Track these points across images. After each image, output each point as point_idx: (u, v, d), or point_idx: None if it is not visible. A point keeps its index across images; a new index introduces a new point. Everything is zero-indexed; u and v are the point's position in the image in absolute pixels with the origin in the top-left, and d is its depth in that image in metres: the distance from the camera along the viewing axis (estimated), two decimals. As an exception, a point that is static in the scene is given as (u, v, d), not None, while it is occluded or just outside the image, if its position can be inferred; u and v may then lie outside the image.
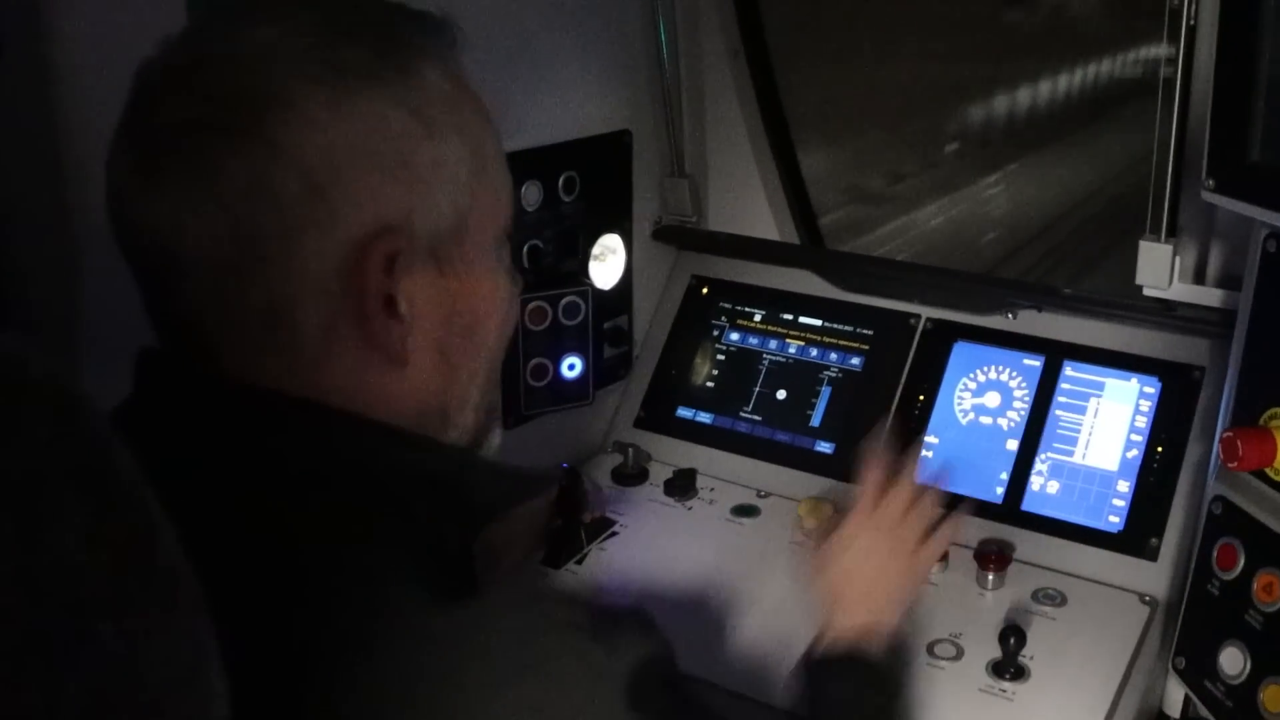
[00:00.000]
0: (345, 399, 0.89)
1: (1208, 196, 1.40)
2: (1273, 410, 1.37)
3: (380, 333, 0.87)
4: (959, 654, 1.51)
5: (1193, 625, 1.44)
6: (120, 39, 0.88)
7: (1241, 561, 1.38)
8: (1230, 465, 1.36)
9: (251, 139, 0.82)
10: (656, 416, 2.02)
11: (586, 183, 1.87)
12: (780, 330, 1.99)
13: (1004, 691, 1.45)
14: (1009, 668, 1.46)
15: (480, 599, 0.86)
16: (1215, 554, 1.42)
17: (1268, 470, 1.37)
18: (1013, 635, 1.45)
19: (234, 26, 0.88)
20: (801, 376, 1.94)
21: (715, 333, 2.04)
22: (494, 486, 0.99)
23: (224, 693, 0.57)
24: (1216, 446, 1.49)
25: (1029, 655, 1.48)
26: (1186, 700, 1.54)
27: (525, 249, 1.77)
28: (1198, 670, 1.41)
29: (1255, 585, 1.36)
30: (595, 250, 1.94)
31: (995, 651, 1.48)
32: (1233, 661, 1.36)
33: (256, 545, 0.82)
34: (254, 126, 0.82)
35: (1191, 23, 1.52)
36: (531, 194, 1.78)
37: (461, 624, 0.83)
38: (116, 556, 0.52)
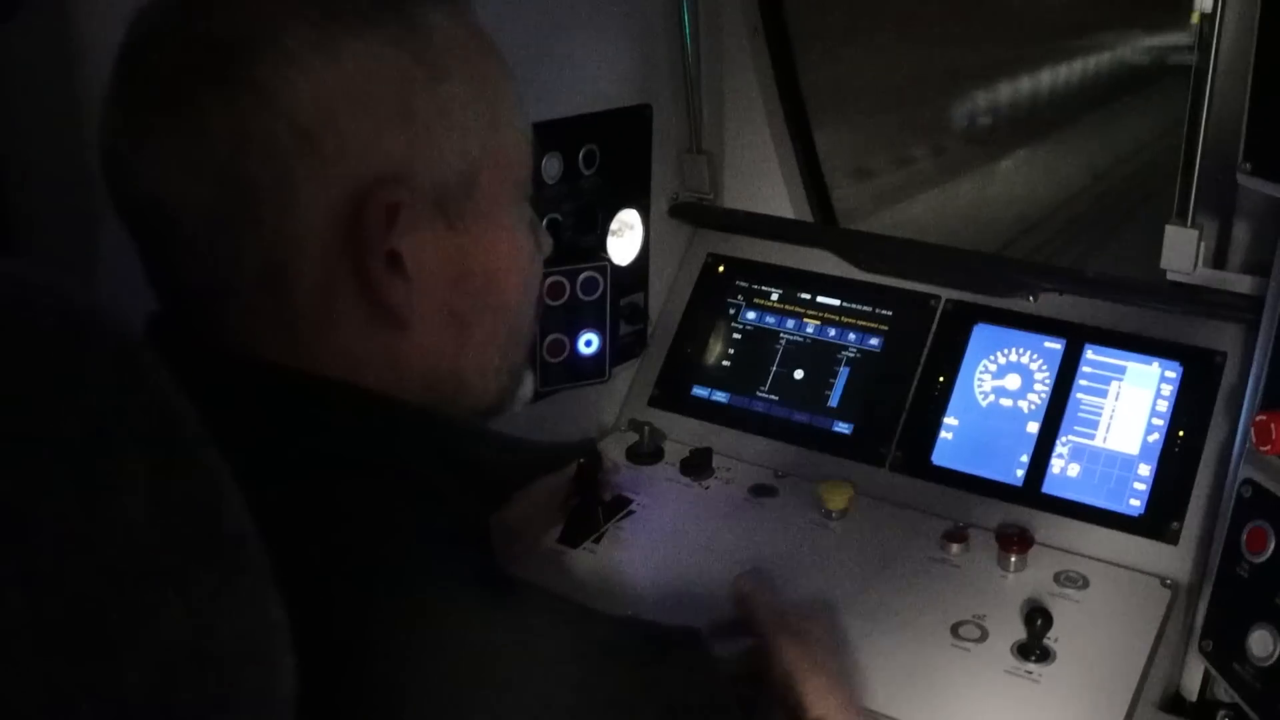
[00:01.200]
0: (349, 364, 0.86)
1: (1244, 180, 1.40)
2: (1304, 394, 1.38)
3: (382, 291, 0.84)
4: (984, 635, 1.50)
5: (1221, 608, 1.44)
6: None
7: (1272, 544, 1.38)
8: (1262, 449, 1.36)
9: (238, 86, 0.79)
10: (671, 395, 2.01)
11: (606, 157, 1.85)
12: (798, 310, 1.98)
13: (1030, 673, 1.44)
14: (1034, 649, 1.46)
15: (519, 607, 0.84)
16: (1245, 537, 1.42)
17: (1298, 454, 1.37)
18: (1039, 617, 1.44)
19: None
20: (819, 356, 1.93)
21: (731, 311, 2.03)
22: (513, 462, 0.97)
23: (292, 665, 0.55)
24: (1244, 430, 1.50)
25: (1053, 637, 1.47)
26: (1204, 683, 1.54)
27: (545, 222, 1.76)
28: (1226, 653, 1.41)
29: (1286, 569, 1.36)
30: (613, 226, 1.92)
31: (1019, 633, 1.48)
32: (1262, 644, 1.36)
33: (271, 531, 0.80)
34: (241, 72, 0.79)
35: (1220, 10, 1.51)
36: (552, 166, 1.77)
37: (492, 625, 0.80)
38: (181, 521, 0.50)
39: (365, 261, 0.82)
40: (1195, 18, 1.54)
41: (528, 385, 1.02)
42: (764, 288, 2.02)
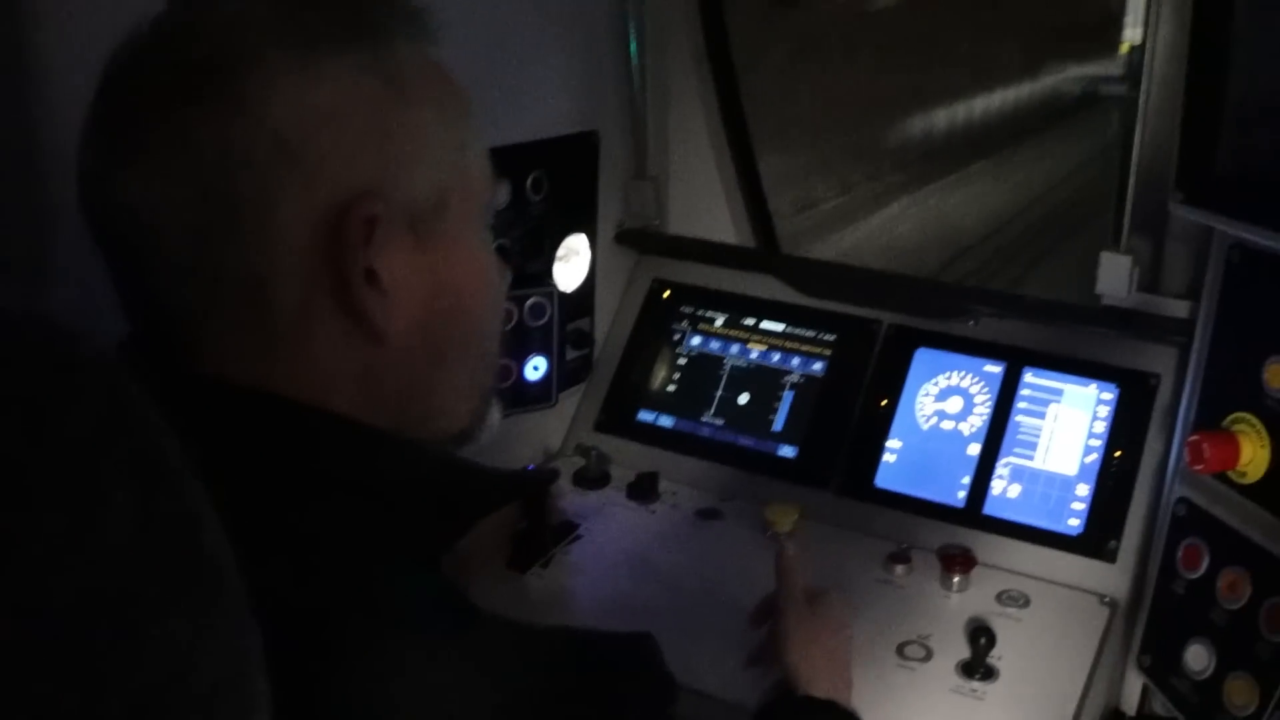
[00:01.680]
0: (325, 379, 0.86)
1: (1176, 209, 1.44)
2: (1235, 414, 1.42)
3: (361, 304, 0.84)
4: (928, 655, 1.52)
5: (1158, 624, 1.48)
6: (98, 20, 0.87)
7: (1206, 561, 1.42)
8: (1195, 468, 1.40)
9: (220, 103, 0.80)
10: (617, 420, 2.02)
11: (554, 183, 1.87)
12: (742, 335, 2.00)
13: (974, 691, 1.47)
14: (979, 668, 1.49)
15: (476, 629, 0.84)
16: (1180, 554, 1.46)
17: (1229, 473, 1.41)
18: (983, 636, 1.47)
19: (201, 3, 0.86)
20: (764, 381, 1.96)
21: (676, 337, 2.05)
22: (482, 489, 0.97)
23: (266, 692, 0.55)
24: (1178, 450, 1.54)
25: (997, 656, 1.50)
26: (1143, 697, 1.57)
27: (494, 248, 1.76)
28: (1163, 667, 1.45)
29: (1220, 584, 1.39)
30: (560, 251, 1.94)
31: (963, 652, 1.51)
32: (1198, 658, 1.40)
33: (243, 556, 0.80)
34: (223, 90, 0.80)
35: (1151, 41, 1.56)
36: (501, 193, 1.78)
37: (458, 654, 0.81)
38: (163, 547, 0.50)
39: (345, 274, 0.83)
40: (1125, 48, 1.59)
41: (495, 414, 1.02)
42: (709, 313, 2.04)
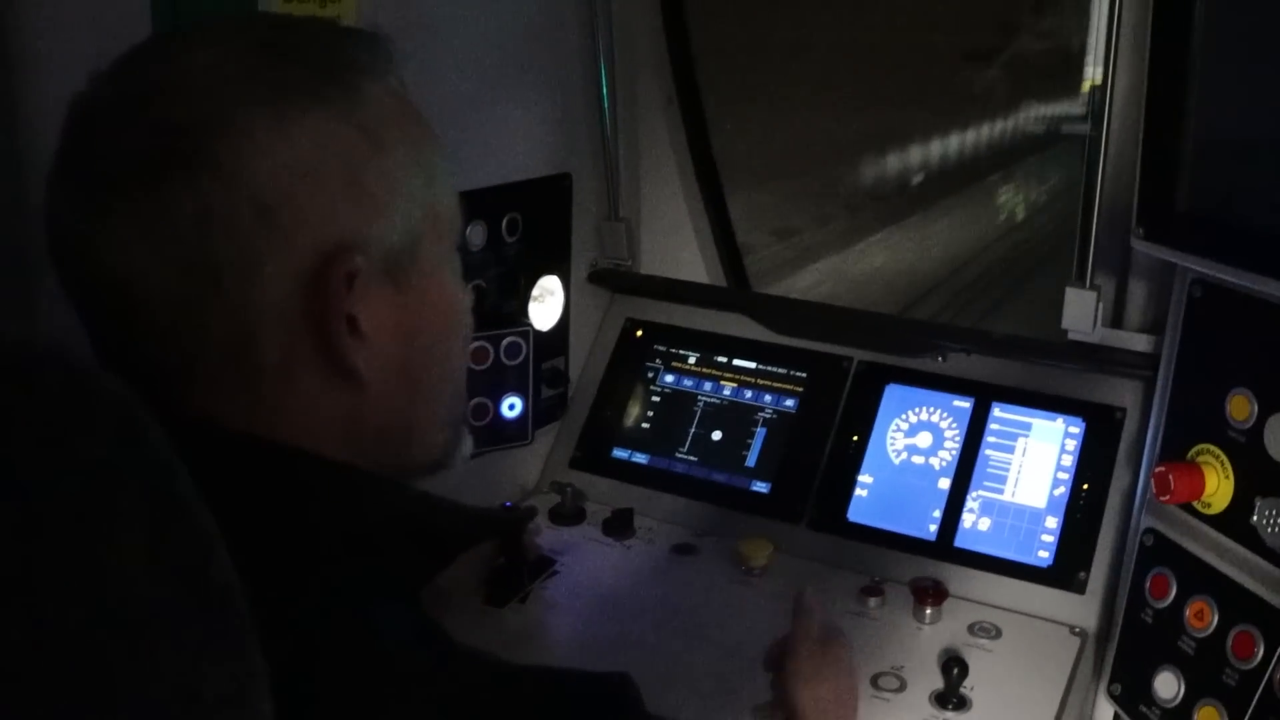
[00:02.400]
0: (308, 423, 0.87)
1: (1137, 245, 1.47)
2: (1199, 446, 1.45)
3: (342, 353, 0.86)
4: (902, 686, 1.54)
5: (1127, 653, 1.50)
6: (84, 41, 0.87)
7: (1174, 590, 1.45)
8: (1162, 498, 1.43)
9: (199, 169, 0.80)
10: (592, 457, 2.04)
11: (528, 225, 1.89)
12: (714, 372, 2.02)
13: (948, 721, 1.49)
14: (952, 698, 1.50)
15: (455, 665, 0.85)
16: (1148, 584, 1.48)
17: (1195, 503, 1.44)
18: (955, 666, 1.49)
19: (169, 53, 0.86)
20: (736, 418, 1.98)
21: (650, 375, 2.07)
22: (462, 525, 0.98)
23: (270, 713, 0.57)
24: (1145, 481, 1.57)
25: (969, 686, 1.51)
26: (1114, 727, 1.60)
27: (470, 288, 1.78)
28: (1133, 696, 1.47)
29: (1187, 613, 1.42)
30: (535, 292, 1.96)
31: (937, 683, 1.52)
32: (1167, 686, 1.42)
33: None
34: (201, 155, 0.81)
35: (1111, 81, 1.60)
36: (476, 235, 1.80)
37: (437, 692, 0.82)
38: (174, 574, 0.52)
39: (327, 327, 0.85)
40: (1086, 87, 1.62)
41: (467, 443, 1.05)
42: (681, 351, 2.07)
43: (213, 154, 0.81)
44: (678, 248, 2.22)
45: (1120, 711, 1.51)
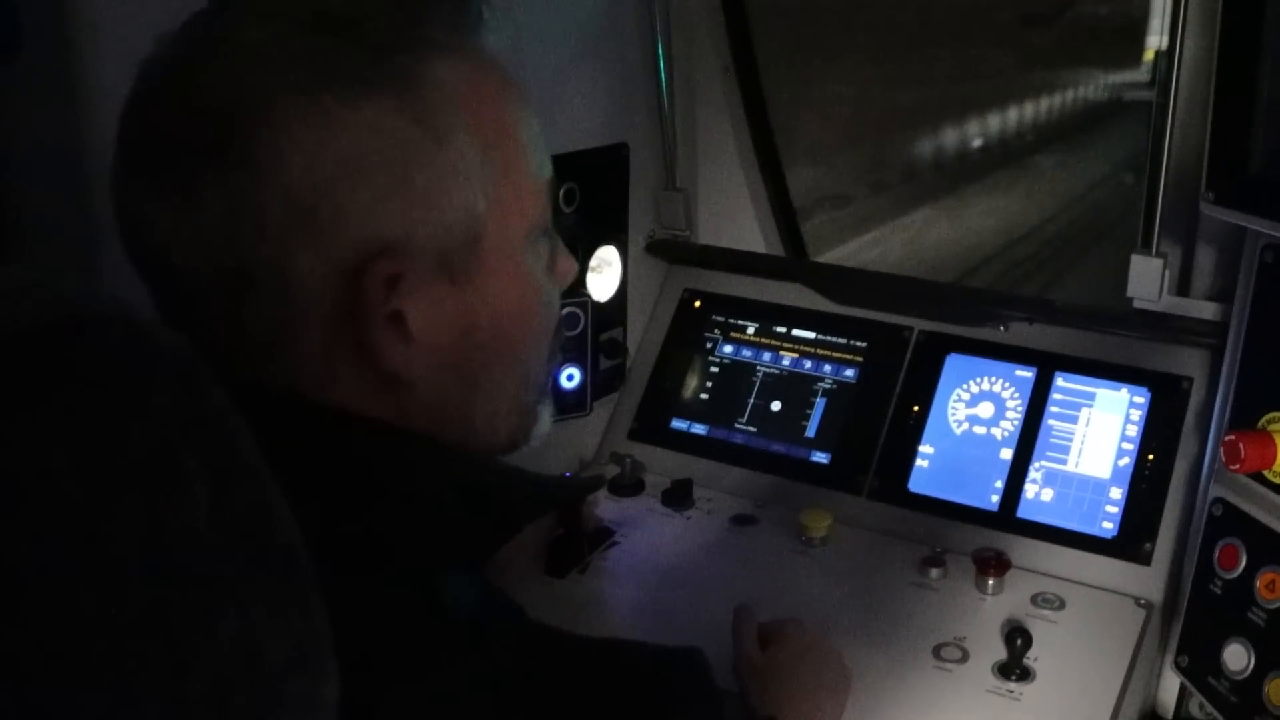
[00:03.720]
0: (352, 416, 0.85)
1: (1206, 209, 1.44)
2: (1271, 414, 1.42)
3: (382, 358, 0.82)
4: (964, 656, 1.53)
5: (1195, 624, 1.48)
6: (144, 31, 0.85)
7: (1243, 561, 1.43)
8: (1232, 468, 1.40)
9: (232, 160, 0.77)
10: (651, 428, 2.04)
11: (585, 195, 1.88)
12: (774, 343, 2.01)
13: (1011, 692, 1.47)
14: (1015, 669, 1.49)
15: (527, 635, 0.85)
16: (1217, 554, 1.46)
17: (1266, 472, 1.41)
18: (1019, 637, 1.47)
19: (219, 27, 0.82)
20: (796, 388, 1.97)
21: (708, 345, 2.06)
22: (530, 495, 0.96)
23: (334, 672, 0.57)
24: (1213, 450, 1.54)
25: (1033, 657, 1.50)
26: (1180, 699, 1.57)
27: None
28: (1201, 668, 1.45)
29: (1258, 583, 1.40)
30: (592, 262, 1.96)
31: (999, 654, 1.51)
32: (1236, 658, 1.40)
33: None
34: (234, 147, 0.77)
35: (1179, 45, 1.56)
36: (539, 203, 1.80)
37: (510, 659, 0.81)
38: (237, 530, 0.52)
39: (365, 327, 0.81)
40: (1149, 55, 1.59)
41: (545, 419, 1.00)
42: (740, 321, 2.06)
43: (247, 146, 0.77)
44: (735, 217, 2.21)
45: (1188, 684, 1.49)
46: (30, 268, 0.56)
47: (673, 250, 2.13)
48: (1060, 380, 1.79)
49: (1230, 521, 1.46)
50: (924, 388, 1.87)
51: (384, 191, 0.79)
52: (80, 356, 0.49)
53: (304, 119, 0.77)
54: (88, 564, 0.46)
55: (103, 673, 0.45)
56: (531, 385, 0.96)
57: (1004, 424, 1.80)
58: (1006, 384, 1.82)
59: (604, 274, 1.99)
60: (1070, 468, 1.74)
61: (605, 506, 1.87)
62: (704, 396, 2.03)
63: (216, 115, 0.78)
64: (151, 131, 0.81)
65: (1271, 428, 1.41)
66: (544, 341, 0.96)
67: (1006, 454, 1.78)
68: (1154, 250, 1.66)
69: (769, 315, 2.04)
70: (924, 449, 1.84)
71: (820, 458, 1.91)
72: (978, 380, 1.85)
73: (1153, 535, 1.65)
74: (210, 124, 0.78)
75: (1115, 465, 1.71)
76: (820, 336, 1.99)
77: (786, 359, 2.00)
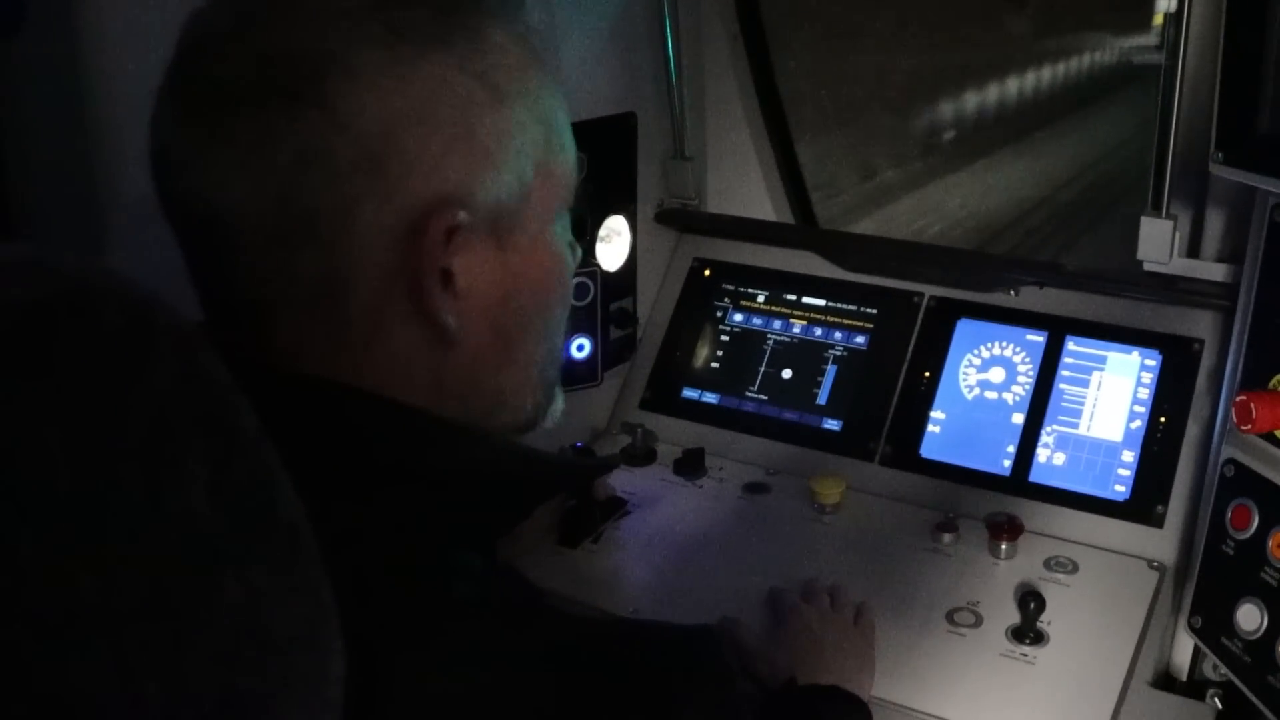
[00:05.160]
0: (393, 377, 0.85)
1: (1216, 170, 1.44)
2: (1282, 375, 1.42)
3: (434, 308, 0.83)
4: (978, 621, 1.53)
5: (1208, 585, 1.49)
6: (146, 3, 0.85)
7: (1256, 521, 1.43)
8: (1243, 428, 1.40)
9: (307, 104, 0.78)
10: (662, 397, 2.04)
11: (593, 164, 1.86)
12: (784, 310, 2.01)
13: (1025, 655, 1.48)
14: (1029, 632, 1.49)
15: (540, 616, 0.85)
16: (1229, 515, 1.46)
17: (1277, 433, 1.41)
18: (1032, 601, 1.48)
19: None
20: (806, 355, 1.97)
21: (719, 314, 2.06)
22: (544, 476, 0.98)
23: (340, 649, 0.57)
24: (1225, 411, 1.54)
25: (1046, 620, 1.51)
26: (1193, 660, 1.58)
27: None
28: (1214, 628, 1.45)
29: (1270, 543, 1.40)
30: (601, 232, 1.95)
31: (1013, 618, 1.52)
32: (1249, 618, 1.40)
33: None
34: (310, 91, 0.78)
35: (1187, 7, 1.55)
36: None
37: (522, 641, 0.81)
38: (238, 508, 0.52)
39: (421, 280, 0.82)
40: (1159, 19, 1.58)
41: (559, 402, 1.01)
42: (750, 290, 2.06)
43: (320, 92, 0.78)
44: (744, 186, 2.21)
45: (1201, 644, 1.49)
46: (29, 242, 0.56)
47: (682, 219, 2.13)
48: (1071, 344, 1.79)
49: (1242, 482, 1.46)
50: (935, 353, 1.87)
51: (449, 145, 0.81)
52: (75, 332, 0.49)
53: (377, 69, 0.79)
54: (84, 545, 0.45)
55: (103, 653, 0.45)
56: (555, 361, 0.98)
57: (1015, 388, 1.80)
58: (1017, 348, 1.82)
59: (613, 244, 1.99)
60: (1082, 431, 1.74)
61: (617, 476, 1.88)
62: (715, 365, 2.03)
63: (294, 62, 0.79)
64: (219, 79, 0.81)
65: (1283, 388, 1.41)
66: (564, 315, 0.98)
67: (1018, 418, 1.78)
68: (1164, 212, 1.66)
69: (779, 283, 2.04)
70: (935, 414, 1.84)
71: (832, 425, 1.91)
72: (988, 345, 1.84)
73: (1165, 497, 1.65)
74: (284, 67, 0.79)
75: (1127, 428, 1.71)
76: (830, 304, 1.99)
77: (797, 326, 2.00)
